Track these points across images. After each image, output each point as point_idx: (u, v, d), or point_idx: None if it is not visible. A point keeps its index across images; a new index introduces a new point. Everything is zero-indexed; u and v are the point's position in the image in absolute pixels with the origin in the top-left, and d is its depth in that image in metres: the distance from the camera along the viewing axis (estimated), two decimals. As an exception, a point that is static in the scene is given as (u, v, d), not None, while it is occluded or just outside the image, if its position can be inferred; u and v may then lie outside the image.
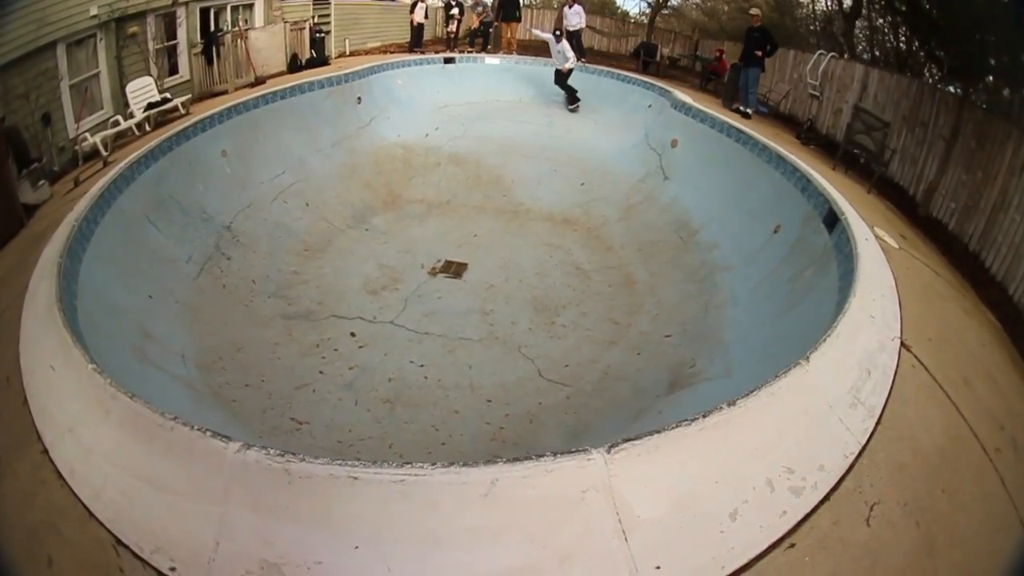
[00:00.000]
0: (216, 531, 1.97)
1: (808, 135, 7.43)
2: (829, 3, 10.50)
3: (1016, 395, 3.31)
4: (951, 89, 6.84)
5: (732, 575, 1.92)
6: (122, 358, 3.28)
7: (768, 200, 5.32)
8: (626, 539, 1.94)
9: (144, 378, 3.26)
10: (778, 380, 2.54)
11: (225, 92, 8.86)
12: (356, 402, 3.85)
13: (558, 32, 8.53)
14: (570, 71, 8.19)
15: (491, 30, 11.13)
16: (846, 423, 2.52)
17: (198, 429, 2.19)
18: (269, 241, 5.59)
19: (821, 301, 3.84)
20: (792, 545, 2.03)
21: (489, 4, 11.26)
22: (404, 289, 5.12)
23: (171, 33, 8.59)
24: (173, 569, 1.92)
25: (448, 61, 9.26)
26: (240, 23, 9.80)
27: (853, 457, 2.38)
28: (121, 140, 6.70)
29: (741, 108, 7.23)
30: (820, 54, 8.19)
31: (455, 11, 11.04)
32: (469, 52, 10.33)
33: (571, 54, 8.12)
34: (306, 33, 10.44)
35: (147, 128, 6.99)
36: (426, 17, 11.46)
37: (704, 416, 2.31)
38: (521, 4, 11.64)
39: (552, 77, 8.63)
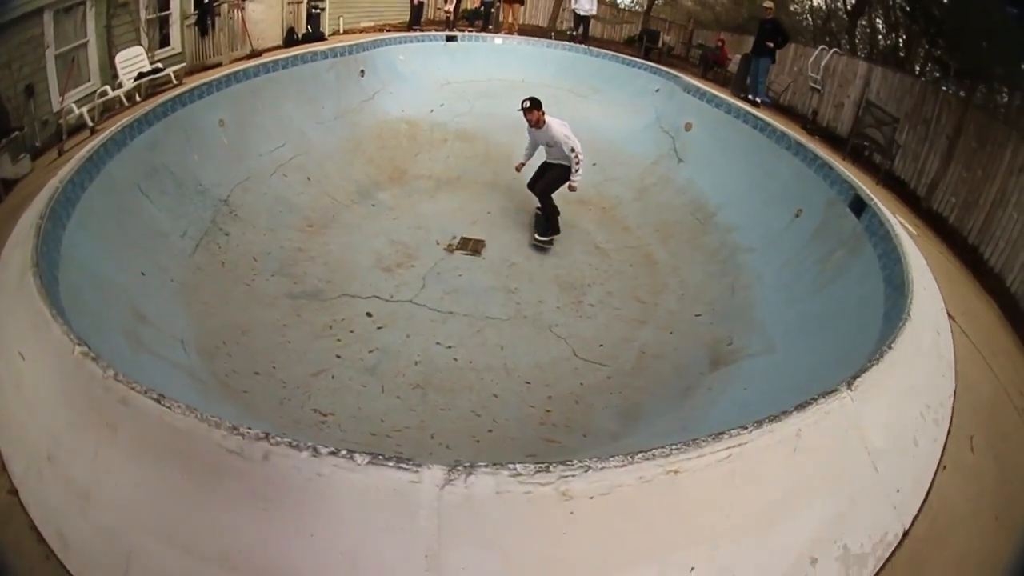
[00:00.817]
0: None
1: (812, 126, 7.48)
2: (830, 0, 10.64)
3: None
4: (955, 91, 7.03)
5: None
6: (114, 343, 2.72)
7: (788, 185, 5.29)
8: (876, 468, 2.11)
9: (140, 367, 2.63)
10: (900, 332, 2.70)
11: (219, 65, 8.40)
12: (383, 388, 3.58)
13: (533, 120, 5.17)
14: (566, 181, 5.08)
15: (492, 11, 10.86)
16: (943, 372, 2.85)
17: (343, 455, 1.50)
18: (269, 216, 5.25)
19: (859, 280, 3.88)
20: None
21: None
22: (420, 266, 4.87)
23: (163, 3, 8.07)
24: None
25: (450, 39, 8.99)
26: None
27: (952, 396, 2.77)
28: (109, 112, 6.27)
29: (750, 97, 7.20)
30: (822, 49, 8.28)
31: None
32: (470, 31, 10.05)
33: (576, 146, 5.05)
34: (303, 7, 10.08)
35: (137, 99, 6.59)
36: None
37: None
38: None
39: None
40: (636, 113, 7.23)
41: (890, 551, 1.96)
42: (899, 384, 2.54)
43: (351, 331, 4.11)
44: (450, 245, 5.18)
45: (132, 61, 6.83)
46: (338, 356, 3.84)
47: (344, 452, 1.51)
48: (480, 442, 3.09)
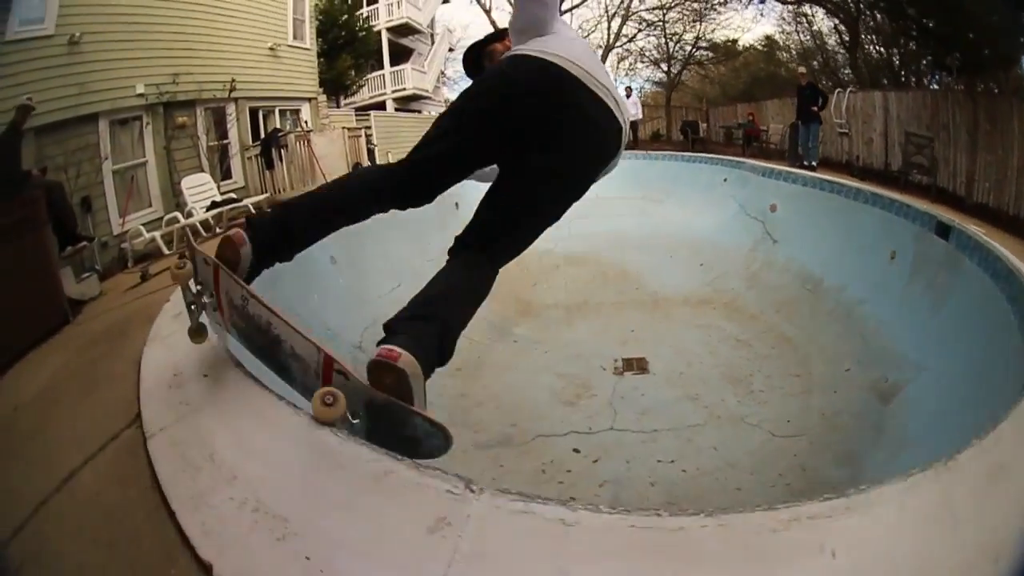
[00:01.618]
0: None
1: (858, 171, 8.49)
2: (828, 40, 11.72)
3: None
4: (961, 87, 7.95)
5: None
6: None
7: (875, 233, 6.22)
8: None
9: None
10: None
11: None
12: None
13: None
14: None
15: None
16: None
17: None
18: (410, 364, 5.66)
19: (971, 287, 4.67)
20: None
21: None
22: (601, 394, 5.34)
23: (222, 132, 7.77)
24: None
25: None
26: (302, 124, 9.28)
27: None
28: (184, 241, 5.57)
29: (805, 162, 8.31)
30: (839, 92, 9.37)
31: None
32: None
33: None
34: (362, 140, 10.23)
35: (216, 229, 6.35)
36: None
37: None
38: None
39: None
40: (717, 206, 8.23)
41: None
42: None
43: (568, 470, 4.18)
44: (617, 368, 5.82)
45: (201, 188, 6.61)
46: (572, 499, 4.31)
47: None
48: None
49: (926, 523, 1.49)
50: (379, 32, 15.54)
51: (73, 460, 2.07)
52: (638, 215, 8.87)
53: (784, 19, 13.01)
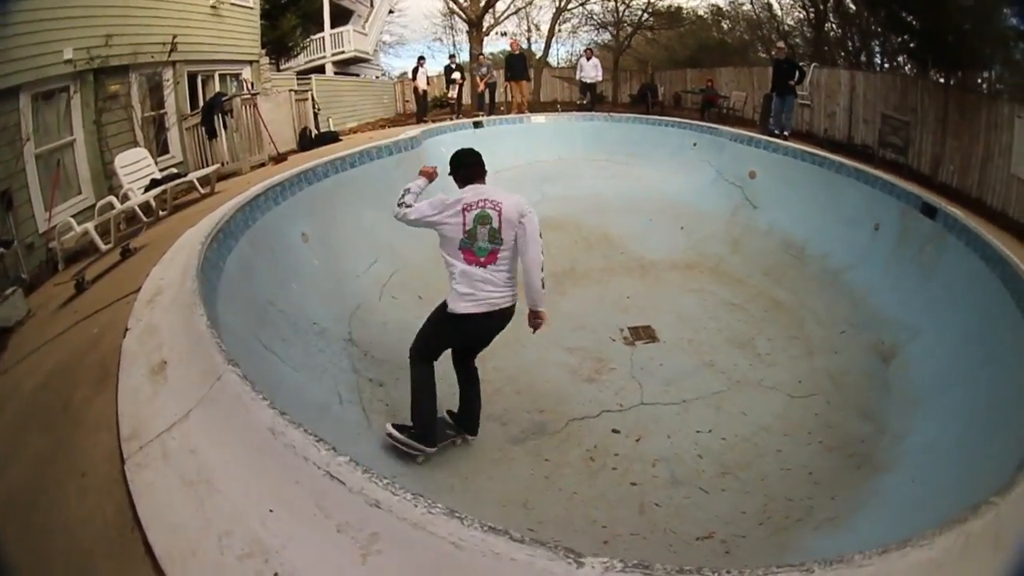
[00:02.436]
0: None
1: (824, 142, 8.91)
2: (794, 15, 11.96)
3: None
4: (933, 78, 8.51)
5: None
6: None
7: (857, 206, 6.58)
8: None
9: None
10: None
11: (236, 174, 7.19)
12: (703, 490, 3.68)
13: None
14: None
15: (495, 92, 11.30)
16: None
17: None
18: (406, 349, 4.52)
19: (960, 263, 5.06)
20: None
21: (492, 65, 11.55)
22: (620, 368, 5.16)
23: (157, 100, 6.92)
24: None
25: (477, 125, 9.40)
26: (247, 87, 8.44)
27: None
28: (130, 230, 4.97)
29: (776, 131, 8.56)
30: (813, 66, 9.74)
31: (456, 75, 11.22)
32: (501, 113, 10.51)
33: None
34: (309, 104, 9.52)
35: (160, 213, 5.50)
36: (428, 84, 11.54)
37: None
38: (528, 64, 12.00)
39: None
40: (692, 170, 8.32)
41: None
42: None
43: (615, 454, 3.97)
44: (626, 339, 5.66)
45: (137, 166, 5.82)
46: (633, 484, 3.68)
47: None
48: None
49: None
50: (322, -10, 14.25)
51: None
52: (609, 178, 8.73)
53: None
